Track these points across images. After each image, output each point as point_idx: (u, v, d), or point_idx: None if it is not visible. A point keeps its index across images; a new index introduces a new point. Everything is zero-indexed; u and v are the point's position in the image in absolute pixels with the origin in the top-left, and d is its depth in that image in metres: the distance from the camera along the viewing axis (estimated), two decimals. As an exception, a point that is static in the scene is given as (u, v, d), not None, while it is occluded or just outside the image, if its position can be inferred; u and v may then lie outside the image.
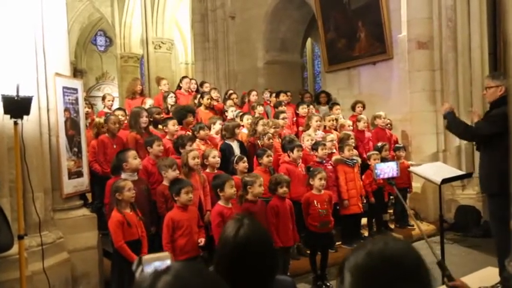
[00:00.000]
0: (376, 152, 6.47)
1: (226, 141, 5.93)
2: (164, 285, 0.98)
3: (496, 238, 4.26)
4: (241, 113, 7.23)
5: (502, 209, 4.03)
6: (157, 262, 1.05)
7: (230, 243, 1.74)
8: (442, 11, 7.11)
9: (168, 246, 4.05)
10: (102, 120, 6.04)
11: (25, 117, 3.59)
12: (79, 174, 4.54)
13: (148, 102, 7.18)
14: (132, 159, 4.49)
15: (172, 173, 4.56)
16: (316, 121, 6.87)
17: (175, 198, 4.17)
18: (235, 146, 5.90)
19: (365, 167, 6.48)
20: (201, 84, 9.12)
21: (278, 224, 4.60)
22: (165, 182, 4.60)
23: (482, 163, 4.51)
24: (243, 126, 6.66)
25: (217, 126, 6.24)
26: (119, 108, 6.88)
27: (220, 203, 4.37)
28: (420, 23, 7.26)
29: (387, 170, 3.99)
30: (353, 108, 7.97)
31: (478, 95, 6.85)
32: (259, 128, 6.15)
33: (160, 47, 15.49)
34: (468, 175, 5.87)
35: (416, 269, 1.13)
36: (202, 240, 4.28)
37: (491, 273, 3.52)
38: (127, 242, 3.93)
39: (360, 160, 6.27)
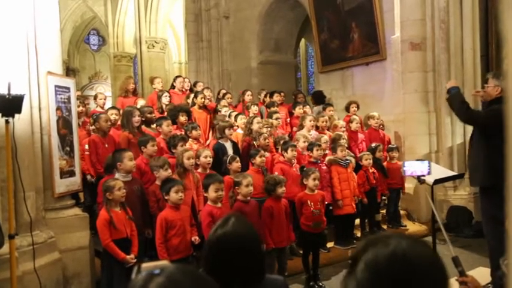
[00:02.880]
0: (368, 153, 6.49)
1: (219, 141, 5.93)
2: (156, 287, 0.98)
3: (488, 237, 4.28)
4: (234, 113, 7.21)
5: (493, 206, 4.05)
6: (156, 271, 1.04)
7: (210, 240, 1.73)
8: (435, 12, 7.14)
9: (162, 246, 4.04)
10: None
11: (16, 115, 3.56)
12: (71, 174, 4.51)
13: (140, 103, 7.15)
14: (128, 160, 4.46)
15: (163, 173, 4.55)
16: (310, 121, 6.88)
17: (166, 198, 4.17)
18: (228, 146, 5.89)
19: (358, 167, 6.50)
20: (195, 84, 9.11)
21: (272, 224, 4.59)
22: (158, 182, 4.58)
23: (472, 156, 4.51)
24: (237, 126, 6.65)
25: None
26: (113, 107, 6.82)
27: (210, 203, 4.35)
28: (413, 25, 7.29)
29: (413, 168, 3.99)
30: (347, 108, 7.99)
31: (470, 96, 6.88)
32: (255, 126, 6.15)
33: (153, 46, 15.43)
34: (460, 176, 5.91)
35: (438, 277, 1.10)
36: (196, 239, 4.28)
37: (483, 273, 3.55)
38: (115, 240, 3.93)
39: (353, 160, 6.28)
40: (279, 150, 5.91)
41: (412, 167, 4.00)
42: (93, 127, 6.06)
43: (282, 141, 6.01)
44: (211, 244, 1.73)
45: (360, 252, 1.11)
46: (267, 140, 5.97)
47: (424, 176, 3.99)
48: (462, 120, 4.97)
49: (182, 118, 6.34)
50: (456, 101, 4.58)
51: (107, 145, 5.55)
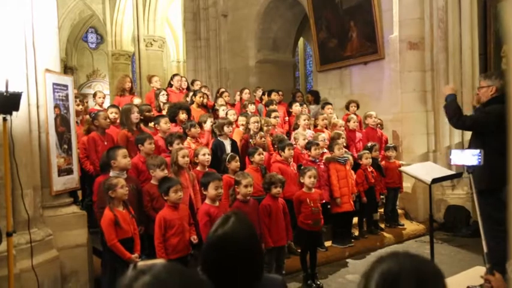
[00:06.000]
0: (367, 152, 6.49)
1: (218, 138, 5.92)
2: (141, 286, 0.99)
3: (485, 237, 4.27)
4: (232, 111, 7.20)
5: (490, 207, 4.05)
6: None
7: (209, 239, 1.71)
8: (434, 11, 7.15)
9: (161, 246, 4.03)
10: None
11: (14, 113, 3.55)
12: (69, 172, 4.50)
13: (136, 101, 7.11)
14: (121, 157, 4.41)
15: (160, 173, 4.52)
16: (304, 120, 6.89)
17: (165, 198, 4.15)
18: (227, 143, 5.89)
19: (357, 166, 6.50)
20: (192, 82, 9.10)
21: (270, 223, 4.59)
22: (153, 181, 4.56)
23: None
24: (237, 125, 6.65)
25: (208, 124, 6.21)
26: (112, 105, 6.76)
27: (207, 202, 4.34)
28: (412, 24, 7.30)
29: (461, 157, 3.81)
30: (347, 107, 8.00)
31: (468, 95, 6.90)
32: (252, 125, 6.16)
33: (151, 44, 15.40)
34: (458, 175, 5.91)
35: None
36: (195, 238, 4.27)
37: (480, 273, 3.55)
38: (120, 240, 3.88)
39: (351, 158, 6.28)
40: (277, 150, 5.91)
41: (461, 156, 3.85)
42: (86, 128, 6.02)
43: (279, 140, 6.00)
44: (210, 243, 1.71)
45: (372, 267, 1.16)
46: (263, 139, 5.97)
47: (474, 166, 3.81)
48: (455, 126, 4.97)
49: (182, 115, 6.32)
50: (450, 109, 4.59)
51: (105, 143, 5.51)
